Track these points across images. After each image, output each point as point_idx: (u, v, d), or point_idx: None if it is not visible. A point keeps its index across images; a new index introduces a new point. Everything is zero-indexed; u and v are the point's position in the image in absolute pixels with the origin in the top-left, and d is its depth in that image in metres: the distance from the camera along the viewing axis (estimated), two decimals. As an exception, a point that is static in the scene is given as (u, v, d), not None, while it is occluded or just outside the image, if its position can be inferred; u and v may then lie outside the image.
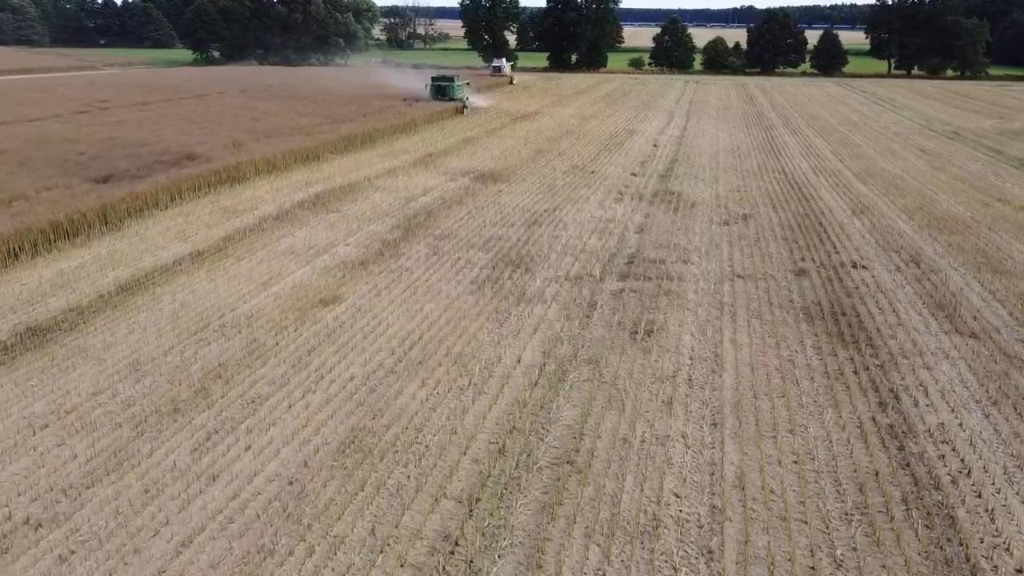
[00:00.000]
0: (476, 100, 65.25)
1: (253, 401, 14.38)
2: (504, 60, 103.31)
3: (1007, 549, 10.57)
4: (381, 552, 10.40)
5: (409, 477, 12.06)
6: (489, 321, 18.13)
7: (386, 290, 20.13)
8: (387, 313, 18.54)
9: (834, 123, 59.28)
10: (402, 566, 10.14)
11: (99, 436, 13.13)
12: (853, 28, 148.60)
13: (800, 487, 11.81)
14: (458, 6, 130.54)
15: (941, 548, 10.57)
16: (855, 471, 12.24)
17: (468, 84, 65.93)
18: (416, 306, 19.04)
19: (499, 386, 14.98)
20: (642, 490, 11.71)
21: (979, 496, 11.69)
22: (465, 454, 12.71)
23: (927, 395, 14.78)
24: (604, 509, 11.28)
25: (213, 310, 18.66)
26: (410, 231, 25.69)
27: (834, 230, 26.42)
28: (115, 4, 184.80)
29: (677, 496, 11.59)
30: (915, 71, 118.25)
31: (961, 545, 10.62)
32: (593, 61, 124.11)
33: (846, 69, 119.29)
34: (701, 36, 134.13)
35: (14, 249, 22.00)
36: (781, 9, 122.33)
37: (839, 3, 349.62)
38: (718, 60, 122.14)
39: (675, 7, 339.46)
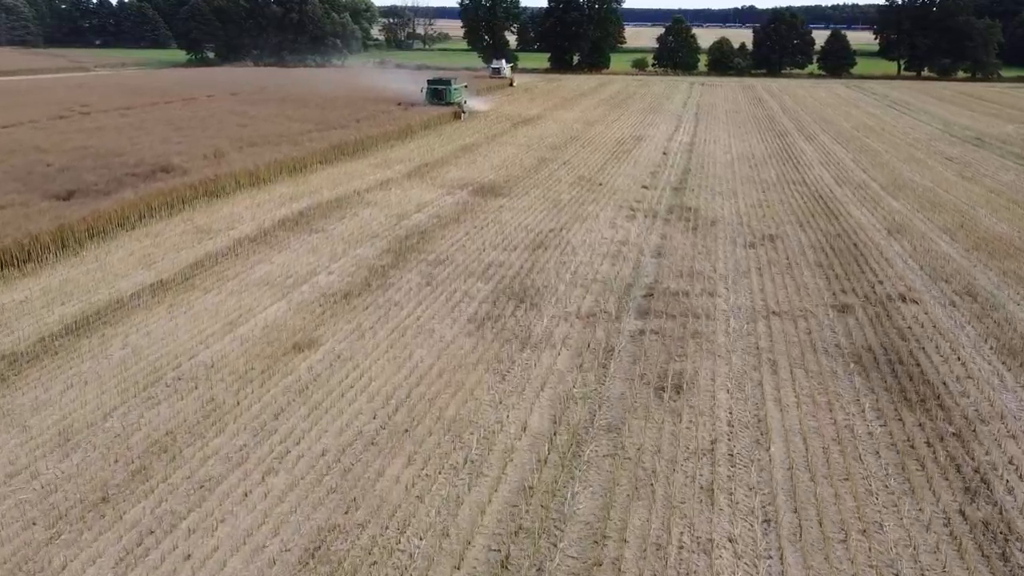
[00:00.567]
0: (475, 103, 62.65)
1: (202, 486, 11.77)
2: (504, 61, 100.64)
3: None
4: None
5: (387, 605, 9.48)
6: (489, 373, 15.53)
7: (371, 331, 17.52)
8: (370, 362, 15.93)
9: (849, 128, 56.68)
10: None
11: (3, 540, 10.53)
12: (854, 28, 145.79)
13: (887, 620, 9.23)
14: (457, 6, 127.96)
15: None
16: (953, 594, 9.67)
17: (466, 87, 63.26)
18: (404, 352, 16.43)
19: (501, 464, 12.37)
20: (686, 626, 9.13)
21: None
22: (459, 568, 10.11)
23: (1021, 477, 12.18)
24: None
25: (169, 358, 16.06)
26: (401, 255, 23.08)
27: (871, 254, 23.80)
28: (110, 4, 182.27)
29: (731, 636, 9.01)
30: (925, 72, 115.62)
31: None
32: (595, 62, 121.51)
33: (854, 70, 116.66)
34: (702, 36, 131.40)
35: (-50, 281, 19.45)
36: (787, 9, 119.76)
37: (840, 3, 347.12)
38: (723, 61, 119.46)
39: (675, 7, 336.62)
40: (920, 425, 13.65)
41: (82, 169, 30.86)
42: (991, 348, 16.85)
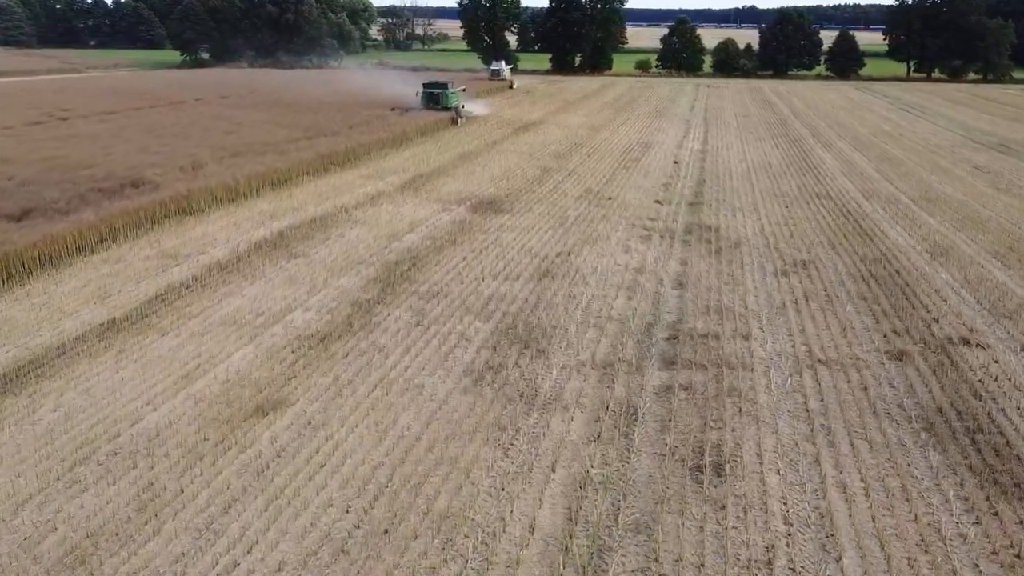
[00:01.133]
0: (474, 107, 59.99)
1: (120, 619, 9.17)
2: (503, 63, 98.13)
3: None
4: None
5: None
6: (489, 445, 12.92)
7: (349, 386, 14.90)
8: (347, 431, 13.31)
9: (867, 134, 54.07)
10: None
11: None
12: (855, 28, 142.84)
13: None
14: (457, 6, 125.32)
15: None
16: None
17: (463, 91, 60.57)
18: (388, 417, 13.81)
19: (504, 585, 9.78)
20: None
21: None
22: None
23: None
24: None
25: (107, 425, 13.45)
26: (390, 286, 20.46)
27: (918, 284, 21.18)
28: (105, 4, 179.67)
29: None
30: (935, 74, 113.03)
31: None
32: (597, 63, 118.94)
33: (862, 72, 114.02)
34: (703, 37, 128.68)
35: None
36: (795, 9, 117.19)
37: (842, 3, 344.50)
38: (729, 62, 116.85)
39: (676, 7, 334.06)
40: (1022, 523, 11.04)
41: (45, 184, 28.24)
42: (1084, 410, 14.25)
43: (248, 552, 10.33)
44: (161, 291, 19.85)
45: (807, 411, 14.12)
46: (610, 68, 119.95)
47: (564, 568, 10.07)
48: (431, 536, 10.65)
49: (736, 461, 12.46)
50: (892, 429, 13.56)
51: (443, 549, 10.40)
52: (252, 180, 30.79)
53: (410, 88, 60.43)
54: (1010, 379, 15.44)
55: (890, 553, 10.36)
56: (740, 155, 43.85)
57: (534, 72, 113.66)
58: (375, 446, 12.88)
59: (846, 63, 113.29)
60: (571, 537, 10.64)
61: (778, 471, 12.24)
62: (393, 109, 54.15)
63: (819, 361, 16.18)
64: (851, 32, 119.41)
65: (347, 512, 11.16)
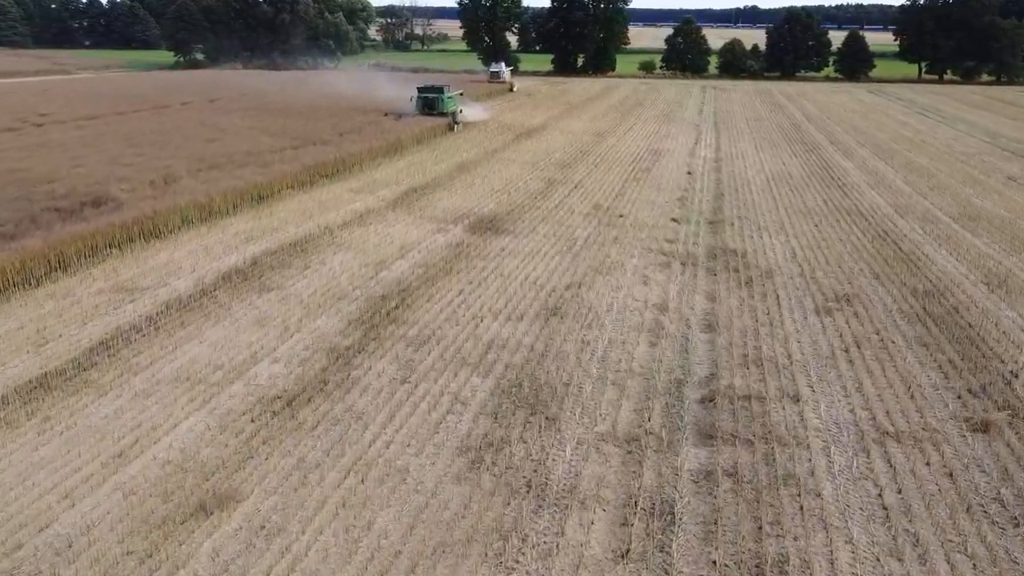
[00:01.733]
0: (473, 112, 57.03)
1: None
2: (503, 64, 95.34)
3: None
4: None
5: None
6: (487, 564, 10.13)
7: (316, 472, 12.13)
8: (308, 542, 10.53)
9: (887, 140, 51.30)
10: None
11: None
12: (855, 28, 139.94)
13: None
14: (456, 6, 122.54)
15: None
16: None
17: (461, 94, 57.71)
18: (363, 518, 11.03)
19: None
20: None
21: None
22: None
23: None
24: None
25: (8, 531, 10.67)
26: (373, 329, 17.68)
27: (983, 326, 18.36)
28: (100, 4, 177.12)
29: None
30: (947, 75, 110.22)
31: None
32: (600, 64, 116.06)
33: (872, 73, 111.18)
34: (709, 37, 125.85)
35: None
36: (803, 8, 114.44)
37: (844, 3, 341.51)
38: (735, 63, 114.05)
39: (676, 7, 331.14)
40: None
41: (-3, 201, 25.51)
42: None
43: None
44: (108, 335, 17.07)
45: (884, 509, 11.33)
46: (613, 69, 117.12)
47: None
48: None
49: (806, 590, 9.69)
50: (993, 535, 10.78)
51: None
52: (229, 195, 28.03)
53: (405, 92, 57.56)
54: (1125, 460, 12.66)
55: None
56: (757, 164, 41.07)
57: (535, 74, 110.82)
58: (343, 564, 10.10)
59: (856, 64, 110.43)
60: None
61: (862, 606, 9.47)
62: (387, 114, 51.32)
63: (887, 434, 13.39)
64: (860, 32, 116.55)
65: (299, 676, 8.40)
